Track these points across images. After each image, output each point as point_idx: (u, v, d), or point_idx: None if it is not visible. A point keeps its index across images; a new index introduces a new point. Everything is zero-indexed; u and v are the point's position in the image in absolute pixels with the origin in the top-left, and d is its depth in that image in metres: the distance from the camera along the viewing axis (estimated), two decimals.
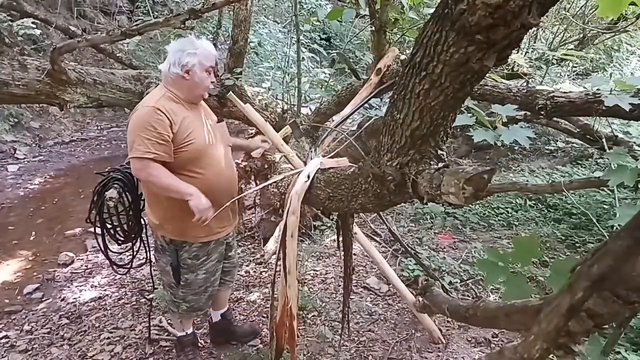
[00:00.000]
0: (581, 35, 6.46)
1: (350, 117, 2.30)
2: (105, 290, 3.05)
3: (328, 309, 2.69)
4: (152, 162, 1.71)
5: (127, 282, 3.12)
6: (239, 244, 3.65)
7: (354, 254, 2.61)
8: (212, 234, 1.97)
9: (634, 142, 3.84)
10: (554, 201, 4.09)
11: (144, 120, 1.71)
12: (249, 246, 3.59)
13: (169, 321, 2.61)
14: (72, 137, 7.42)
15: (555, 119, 3.52)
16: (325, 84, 4.36)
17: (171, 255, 1.94)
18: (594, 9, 5.66)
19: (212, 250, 2.01)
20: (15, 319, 2.74)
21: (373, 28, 3.04)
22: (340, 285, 2.75)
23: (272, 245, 3.30)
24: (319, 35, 9.98)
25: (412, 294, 2.40)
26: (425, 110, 0.93)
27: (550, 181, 4.28)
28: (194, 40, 1.86)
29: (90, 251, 3.70)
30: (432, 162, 1.02)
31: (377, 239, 3.61)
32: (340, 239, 1.83)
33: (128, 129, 1.77)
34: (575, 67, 8.03)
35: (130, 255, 2.22)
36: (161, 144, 1.72)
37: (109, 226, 2.08)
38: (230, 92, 2.23)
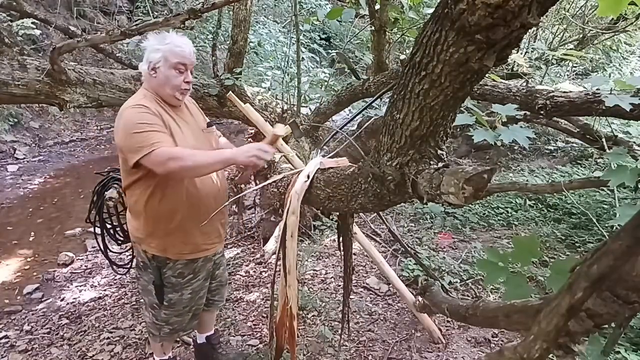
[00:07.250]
0: (581, 35, 6.46)
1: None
2: (105, 290, 3.05)
3: (328, 309, 2.69)
4: (166, 149, 1.49)
5: (127, 282, 3.12)
6: (240, 243, 3.65)
7: (354, 254, 2.60)
8: (199, 251, 1.79)
9: (634, 142, 3.84)
10: (554, 201, 4.09)
11: (133, 120, 1.54)
12: (249, 246, 3.59)
13: None
14: (71, 137, 7.43)
15: (555, 118, 3.51)
16: (325, 84, 4.36)
17: (154, 273, 1.76)
18: (593, 9, 5.66)
19: (199, 268, 1.83)
20: (15, 319, 2.74)
21: (373, 28, 3.05)
22: (340, 285, 2.75)
23: (272, 245, 3.31)
24: (319, 35, 9.99)
25: (412, 293, 2.40)
26: (425, 110, 0.93)
27: (550, 181, 4.28)
28: (166, 35, 1.69)
29: (90, 251, 3.70)
30: (431, 162, 1.02)
31: (377, 239, 3.61)
32: (340, 239, 1.83)
33: (119, 136, 1.58)
34: (575, 67, 8.03)
35: (130, 255, 2.22)
36: (162, 132, 1.54)
37: (108, 226, 2.07)
38: (230, 92, 2.22)
